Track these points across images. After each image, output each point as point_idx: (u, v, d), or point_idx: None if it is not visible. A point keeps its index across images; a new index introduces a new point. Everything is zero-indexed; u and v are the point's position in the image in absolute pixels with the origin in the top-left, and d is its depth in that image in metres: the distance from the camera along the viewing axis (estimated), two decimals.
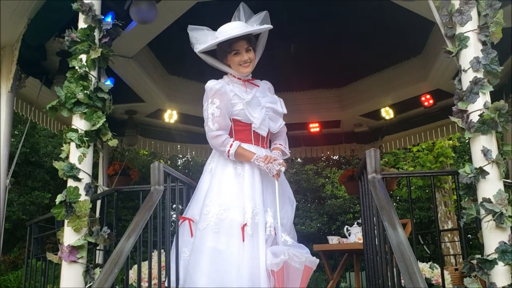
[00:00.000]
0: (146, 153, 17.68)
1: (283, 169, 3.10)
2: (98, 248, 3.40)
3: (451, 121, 3.06)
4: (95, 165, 3.24)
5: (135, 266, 3.60)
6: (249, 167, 3.13)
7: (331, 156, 18.22)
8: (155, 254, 3.35)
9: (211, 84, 3.19)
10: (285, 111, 3.35)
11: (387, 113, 7.47)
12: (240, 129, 3.23)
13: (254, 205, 3.03)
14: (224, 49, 3.23)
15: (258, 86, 3.37)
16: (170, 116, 7.38)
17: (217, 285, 2.86)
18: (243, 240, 2.95)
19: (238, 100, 3.20)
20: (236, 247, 2.95)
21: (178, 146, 8.60)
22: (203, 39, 3.24)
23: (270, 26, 3.24)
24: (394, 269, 2.64)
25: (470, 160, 2.99)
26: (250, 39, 3.24)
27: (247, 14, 3.25)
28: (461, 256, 10.53)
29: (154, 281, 3.11)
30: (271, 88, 3.47)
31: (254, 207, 3.02)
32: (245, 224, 2.98)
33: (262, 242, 2.96)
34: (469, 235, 12.14)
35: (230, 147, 3.12)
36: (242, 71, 3.26)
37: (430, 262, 4.05)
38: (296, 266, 2.82)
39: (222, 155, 3.19)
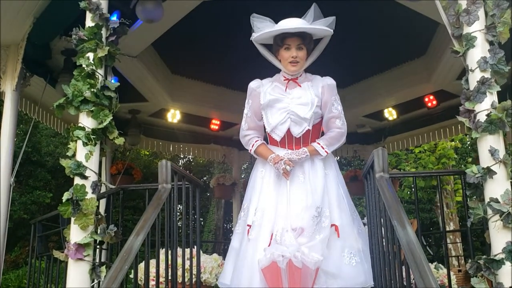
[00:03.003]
0: (148, 153, 17.68)
1: (288, 168, 3.03)
2: (101, 247, 3.38)
3: (454, 122, 3.08)
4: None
5: (141, 265, 3.60)
6: (269, 167, 3.15)
7: None
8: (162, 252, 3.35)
9: (250, 84, 3.28)
10: (307, 116, 3.13)
11: (390, 114, 7.47)
12: (269, 137, 3.28)
13: (262, 206, 3.06)
14: (277, 43, 3.18)
15: (300, 86, 3.21)
16: (173, 115, 7.39)
17: (233, 284, 2.99)
18: (248, 242, 3.02)
19: None
20: (243, 247, 3.04)
21: (181, 146, 8.60)
22: (261, 27, 3.18)
23: (328, 30, 3.14)
24: (403, 268, 2.63)
25: (472, 162, 3.00)
26: (304, 37, 3.15)
27: (316, 15, 3.17)
28: (463, 257, 10.53)
29: (162, 279, 3.11)
30: (329, 87, 3.23)
31: (263, 209, 3.05)
32: (249, 225, 3.05)
33: (262, 242, 2.96)
34: None
35: (252, 146, 3.22)
36: (289, 69, 3.19)
37: (435, 263, 4.05)
38: (279, 265, 2.76)
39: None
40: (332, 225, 3.02)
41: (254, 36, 3.20)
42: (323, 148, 3.14)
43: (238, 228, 3.21)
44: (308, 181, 3.07)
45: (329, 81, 3.26)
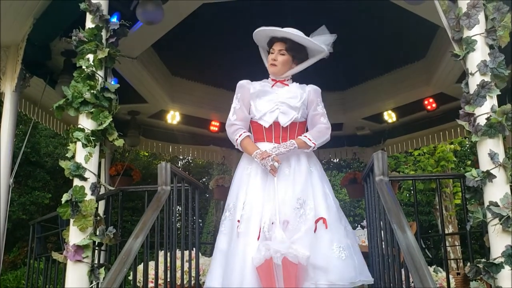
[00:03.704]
0: (147, 154, 17.66)
1: (276, 164, 3.04)
2: (100, 248, 3.38)
3: (454, 125, 3.08)
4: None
5: (139, 267, 3.59)
6: (256, 164, 3.15)
7: (331, 159, 18.17)
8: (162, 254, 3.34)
9: (239, 82, 3.36)
10: (297, 105, 3.25)
11: (390, 116, 7.47)
12: (255, 129, 3.29)
13: (251, 200, 3.05)
14: (268, 47, 3.40)
15: (288, 85, 3.37)
16: (173, 117, 7.38)
17: (224, 284, 2.92)
18: (238, 237, 2.99)
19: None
20: (233, 243, 3.00)
21: (180, 147, 8.60)
22: (258, 38, 3.42)
23: (307, 38, 3.28)
24: (403, 271, 2.63)
25: (471, 165, 2.99)
26: (287, 43, 3.29)
27: (319, 31, 3.36)
28: (461, 260, 10.53)
29: (160, 281, 3.10)
30: (315, 90, 3.38)
31: (251, 203, 3.04)
32: (238, 221, 3.02)
33: (252, 237, 2.94)
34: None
35: (239, 136, 3.20)
36: (269, 69, 3.36)
37: (434, 266, 4.04)
38: (275, 261, 2.73)
39: (234, 144, 3.25)
40: (319, 218, 3.01)
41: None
42: (310, 140, 3.23)
43: (224, 228, 3.15)
44: (292, 175, 3.12)
45: (315, 87, 3.42)
